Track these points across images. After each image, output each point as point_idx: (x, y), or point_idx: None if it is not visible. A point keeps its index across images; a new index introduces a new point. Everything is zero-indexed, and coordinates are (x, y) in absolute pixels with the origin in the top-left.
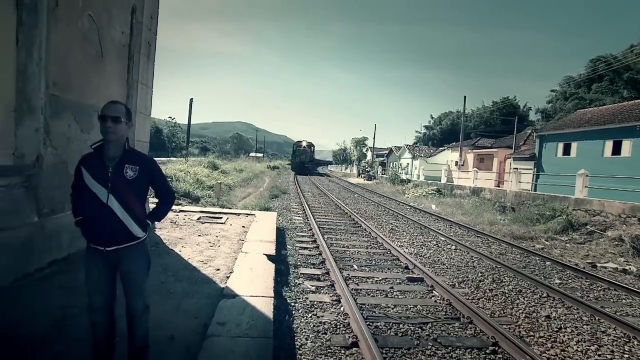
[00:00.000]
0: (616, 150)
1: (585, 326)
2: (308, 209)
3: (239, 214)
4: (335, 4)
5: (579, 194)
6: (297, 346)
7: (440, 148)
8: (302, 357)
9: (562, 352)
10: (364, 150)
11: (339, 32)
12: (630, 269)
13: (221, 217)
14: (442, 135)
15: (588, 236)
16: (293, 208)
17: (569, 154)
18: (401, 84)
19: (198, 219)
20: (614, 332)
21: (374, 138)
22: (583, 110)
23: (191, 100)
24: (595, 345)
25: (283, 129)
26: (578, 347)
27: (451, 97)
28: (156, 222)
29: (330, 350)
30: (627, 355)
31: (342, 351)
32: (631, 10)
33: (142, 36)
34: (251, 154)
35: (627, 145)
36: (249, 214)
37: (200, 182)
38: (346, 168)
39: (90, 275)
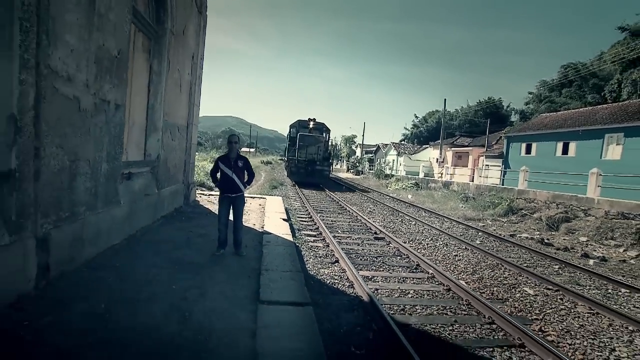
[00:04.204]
0: (565, 150)
1: (475, 259)
2: (304, 197)
3: (253, 197)
4: (330, 1)
5: (520, 185)
6: (305, 261)
7: (425, 146)
8: (309, 264)
9: (455, 268)
10: (353, 147)
11: (334, 29)
12: (535, 237)
13: None
14: (429, 133)
15: (522, 218)
16: (291, 196)
17: (530, 153)
18: (392, 82)
19: None
20: (491, 262)
21: (363, 135)
22: (544, 115)
23: None
24: (475, 266)
25: (274, 124)
26: (464, 266)
27: (441, 94)
28: (247, 186)
29: (323, 263)
30: (495, 271)
31: (330, 265)
32: (621, 9)
33: (197, 73)
34: (243, 149)
35: (572, 147)
36: (261, 197)
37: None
38: (336, 164)
39: (221, 208)
